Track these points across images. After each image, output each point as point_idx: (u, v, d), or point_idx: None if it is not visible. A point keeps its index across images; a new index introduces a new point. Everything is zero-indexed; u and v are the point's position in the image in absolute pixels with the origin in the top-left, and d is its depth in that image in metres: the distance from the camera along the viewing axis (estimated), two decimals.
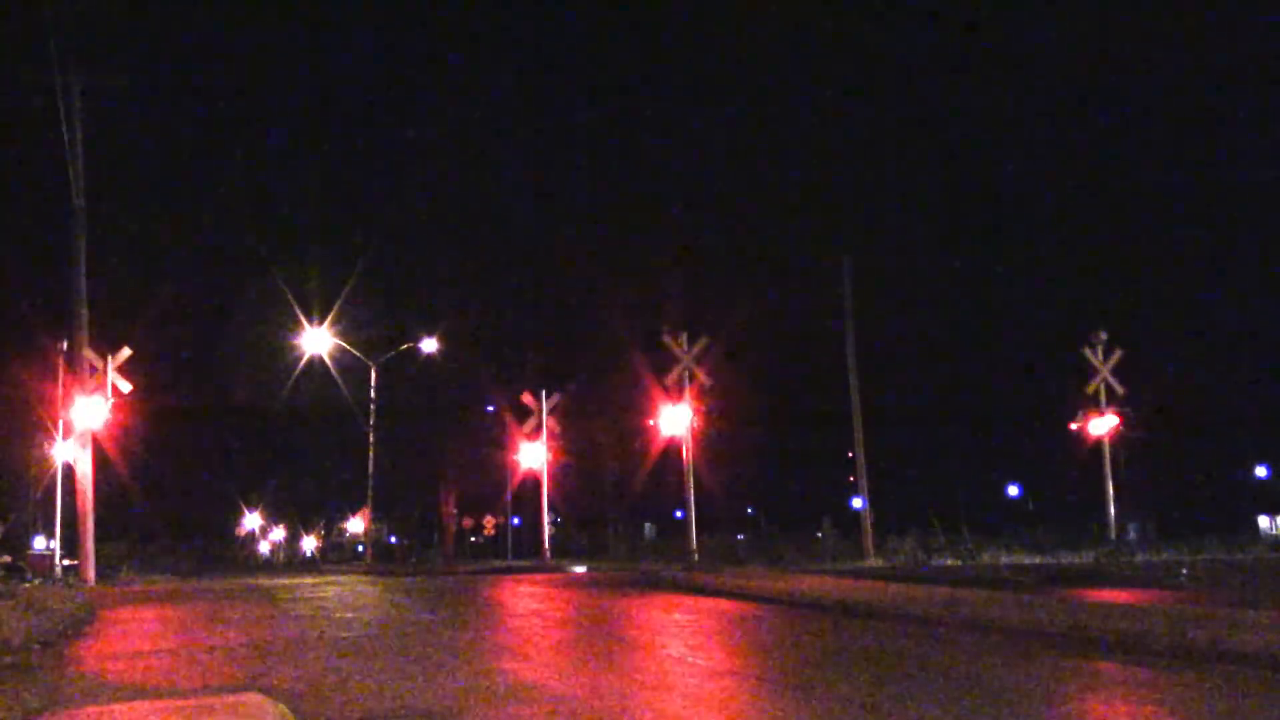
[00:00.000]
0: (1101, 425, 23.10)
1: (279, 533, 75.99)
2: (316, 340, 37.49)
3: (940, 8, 53.88)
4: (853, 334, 31.39)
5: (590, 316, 43.88)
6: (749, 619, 11.60)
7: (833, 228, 33.47)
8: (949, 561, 25.31)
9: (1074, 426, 23.73)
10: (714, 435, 25.39)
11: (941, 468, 51.52)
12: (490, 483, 44.41)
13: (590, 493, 46.79)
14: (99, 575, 22.00)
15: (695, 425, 21.59)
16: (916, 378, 48.62)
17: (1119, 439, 23.85)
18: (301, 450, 49.80)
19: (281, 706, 5.71)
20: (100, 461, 23.22)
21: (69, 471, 25.29)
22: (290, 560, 64.01)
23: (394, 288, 42.76)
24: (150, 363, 26.13)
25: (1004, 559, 25.30)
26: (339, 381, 39.04)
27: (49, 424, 30.62)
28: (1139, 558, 22.15)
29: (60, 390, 27.82)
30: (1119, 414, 23.21)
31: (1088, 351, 23.51)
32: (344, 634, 10.16)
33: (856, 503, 33.62)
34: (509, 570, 27.23)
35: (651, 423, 24.03)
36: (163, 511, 49.81)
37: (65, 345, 26.22)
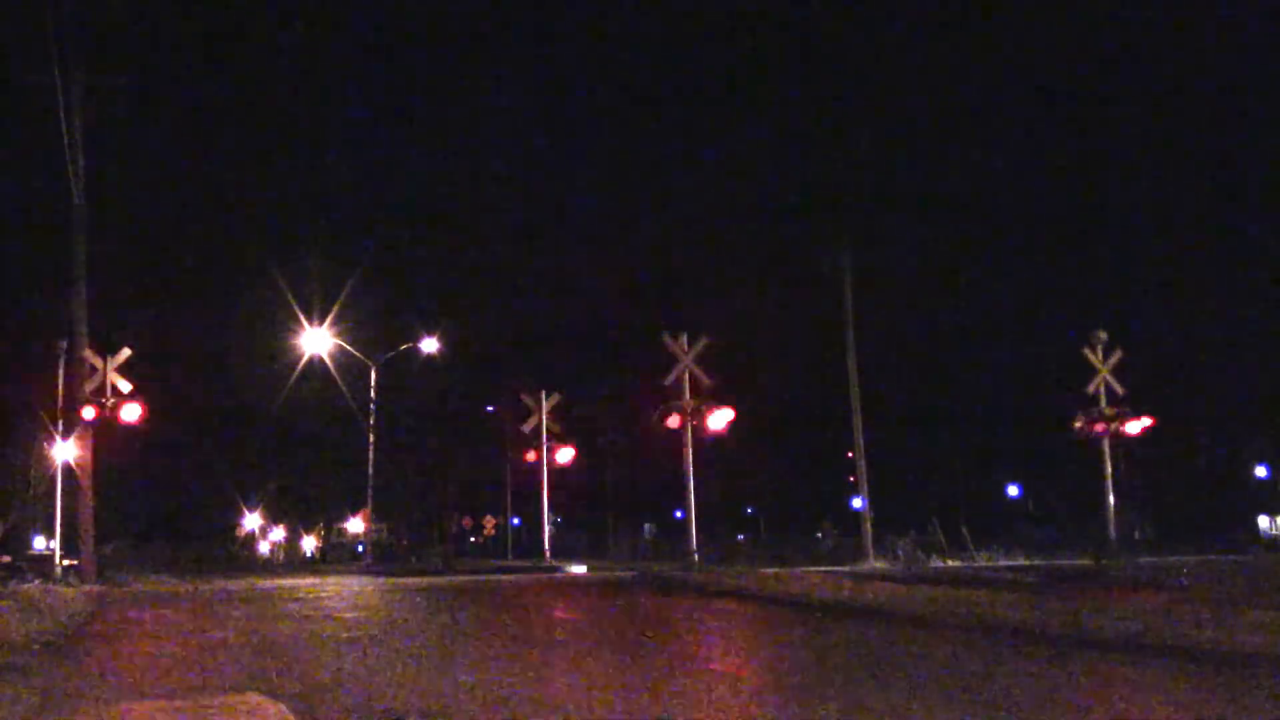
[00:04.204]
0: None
1: (279, 533, 75.89)
2: (316, 340, 37.45)
3: (940, 7, 53.89)
4: (853, 334, 31.40)
5: (590, 316, 43.91)
6: (750, 619, 11.59)
7: (832, 228, 33.43)
8: (949, 562, 25.30)
9: (1076, 425, 23.68)
10: (714, 435, 25.32)
11: (941, 468, 51.49)
12: (490, 483, 44.39)
13: (590, 493, 46.78)
14: (99, 575, 21.96)
15: (695, 425, 21.56)
16: (916, 378, 48.63)
17: (1117, 439, 23.82)
18: (301, 450, 49.73)
19: (281, 706, 5.71)
20: (100, 461, 23.19)
21: (69, 471, 25.26)
22: (290, 560, 63.87)
23: (394, 288, 42.76)
24: (150, 363, 26.08)
25: (1004, 559, 25.31)
26: (339, 382, 39.00)
27: (49, 424, 30.59)
28: (1139, 558, 22.15)
29: (60, 390, 27.78)
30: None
31: (1088, 351, 23.49)
32: (344, 634, 10.15)
33: (856, 503, 33.62)
34: (509, 570, 27.22)
35: (651, 423, 24.00)
36: (163, 512, 49.80)
37: (65, 345, 26.19)
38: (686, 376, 21.32)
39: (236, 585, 19.83)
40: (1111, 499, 23.40)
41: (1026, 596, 12.58)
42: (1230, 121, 52.67)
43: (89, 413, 22.22)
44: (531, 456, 31.54)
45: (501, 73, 62.97)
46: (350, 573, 30.00)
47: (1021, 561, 23.77)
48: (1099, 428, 23.23)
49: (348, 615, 12.34)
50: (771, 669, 7.81)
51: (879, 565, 25.25)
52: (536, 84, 64.03)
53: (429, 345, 39.17)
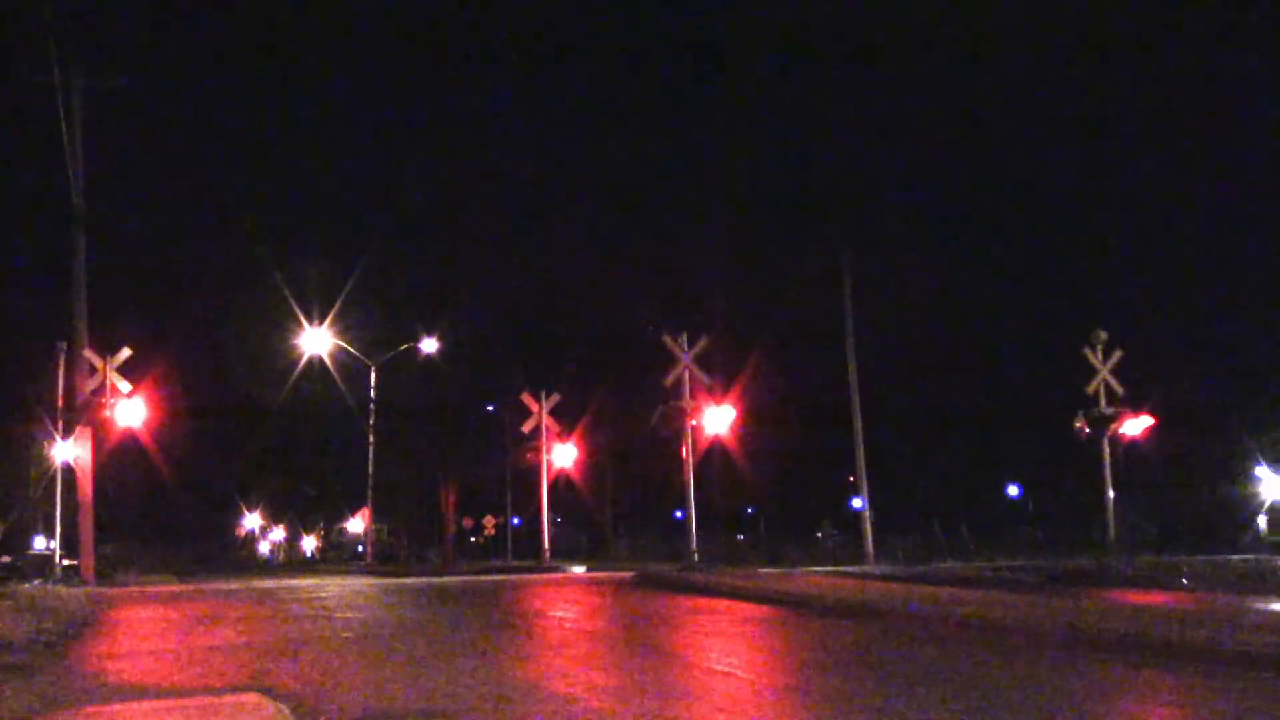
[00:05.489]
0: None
1: (279, 533, 75.94)
2: (316, 340, 37.45)
3: (941, 6, 53.86)
4: (852, 333, 31.41)
5: (590, 316, 43.87)
6: (749, 619, 11.59)
7: (832, 227, 33.44)
8: (949, 562, 25.31)
9: (1076, 425, 23.68)
10: (714, 435, 25.30)
11: (941, 468, 51.48)
12: (490, 483, 44.40)
13: (590, 493, 46.75)
14: (99, 575, 21.97)
15: (695, 425, 21.55)
16: (916, 377, 48.62)
17: (1117, 439, 23.81)
18: (301, 450, 49.75)
19: (281, 706, 5.71)
20: (100, 461, 23.19)
21: (69, 471, 25.26)
22: (290, 560, 63.99)
23: (394, 288, 42.74)
24: (150, 363, 26.04)
25: (1004, 559, 25.30)
26: (339, 381, 39.01)
27: (49, 424, 30.59)
28: (1139, 558, 22.14)
29: (60, 390, 27.79)
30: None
31: (1088, 351, 23.48)
32: (344, 634, 10.16)
33: (857, 503, 33.64)
34: (509, 570, 27.21)
35: (651, 423, 24.00)
36: (163, 511, 49.77)
37: (65, 345, 26.20)
38: (686, 376, 21.31)
39: (236, 585, 19.83)
40: (1111, 499, 23.39)
41: (1026, 596, 12.58)
42: (1232, 120, 52.66)
43: (89, 413, 22.22)
44: (531, 457, 31.50)
45: (502, 72, 62.97)
46: (350, 573, 30.00)
47: (1022, 561, 23.75)
48: (1099, 428, 23.21)
49: (348, 615, 12.34)
50: (770, 668, 7.81)
51: (879, 565, 25.26)
52: (537, 83, 64.02)
53: (429, 345, 39.19)
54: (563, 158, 64.73)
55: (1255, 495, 39.84)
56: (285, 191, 66.36)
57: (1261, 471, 40.65)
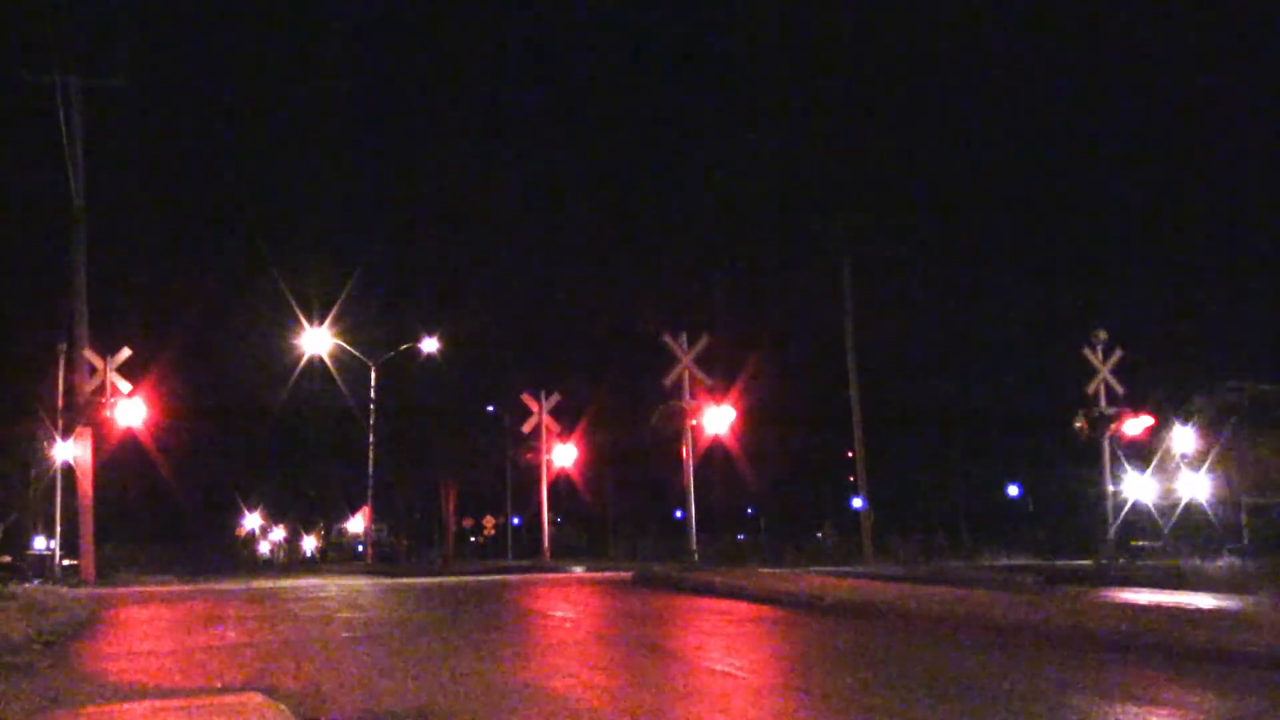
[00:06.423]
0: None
1: (279, 533, 75.95)
2: (316, 340, 37.47)
3: (941, 6, 53.88)
4: (852, 334, 31.45)
5: (590, 316, 43.92)
6: (749, 620, 11.59)
7: (832, 228, 33.46)
8: (949, 562, 25.32)
9: (1076, 425, 23.68)
10: (713, 436, 25.27)
11: (941, 468, 51.48)
12: (490, 483, 44.43)
13: (590, 493, 46.81)
14: (99, 575, 21.98)
15: (695, 425, 21.54)
16: (916, 378, 48.65)
17: (1118, 439, 23.81)
18: (301, 450, 49.82)
19: (281, 706, 5.71)
20: (100, 461, 23.20)
21: (69, 471, 25.26)
22: (290, 560, 63.97)
23: (394, 288, 42.82)
24: (150, 363, 26.06)
25: (1004, 559, 25.32)
26: (339, 381, 39.05)
27: (49, 424, 30.58)
28: (1140, 559, 22.15)
29: (60, 390, 27.79)
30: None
31: (1088, 351, 23.48)
32: (344, 634, 10.16)
33: (856, 503, 33.68)
34: (509, 570, 27.21)
35: (651, 423, 23.99)
36: (163, 511, 49.79)
37: (65, 345, 26.21)
38: (686, 376, 21.30)
39: (236, 585, 19.82)
40: (1111, 499, 23.39)
41: (1026, 596, 12.59)
42: (1231, 119, 52.67)
43: (89, 413, 22.22)
44: (531, 457, 31.51)
45: (502, 73, 63.00)
46: (350, 573, 29.99)
47: (1022, 561, 23.78)
48: (1099, 428, 23.21)
49: (348, 615, 12.34)
50: (770, 668, 7.81)
51: (879, 565, 25.27)
52: (537, 83, 64.06)
53: (429, 345, 39.23)
54: (563, 158, 64.78)
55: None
56: (285, 191, 66.34)
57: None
